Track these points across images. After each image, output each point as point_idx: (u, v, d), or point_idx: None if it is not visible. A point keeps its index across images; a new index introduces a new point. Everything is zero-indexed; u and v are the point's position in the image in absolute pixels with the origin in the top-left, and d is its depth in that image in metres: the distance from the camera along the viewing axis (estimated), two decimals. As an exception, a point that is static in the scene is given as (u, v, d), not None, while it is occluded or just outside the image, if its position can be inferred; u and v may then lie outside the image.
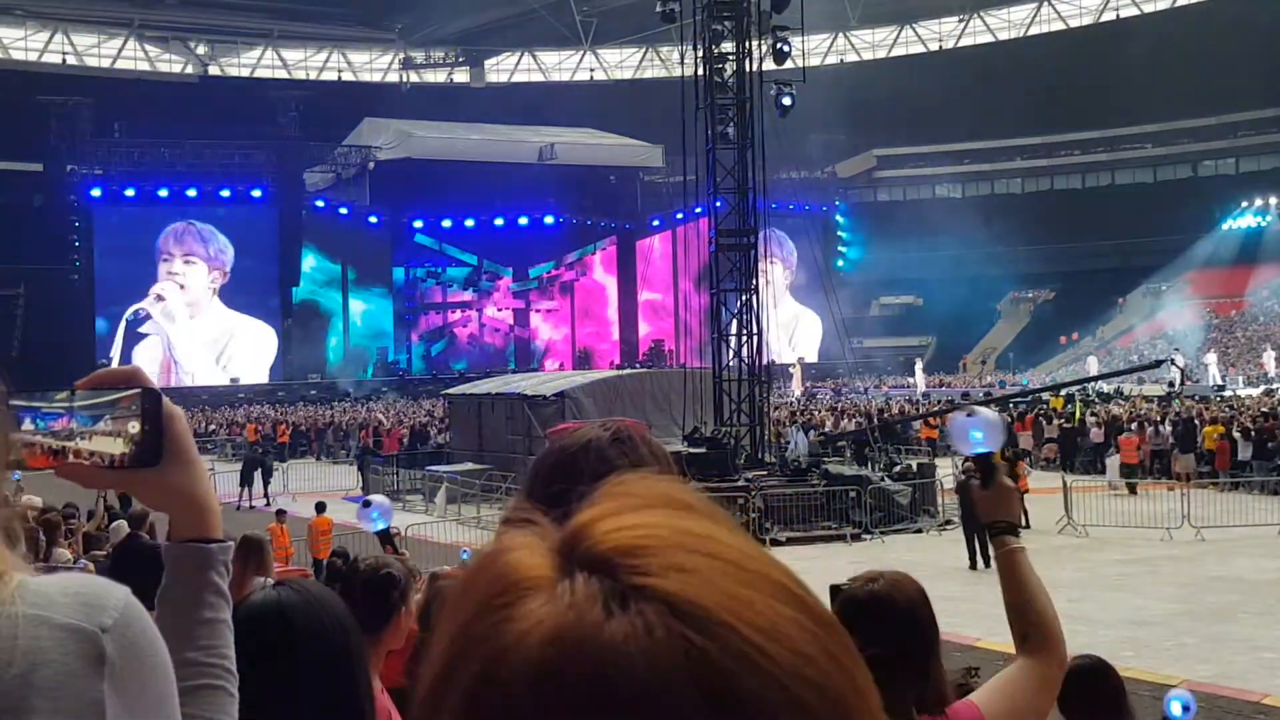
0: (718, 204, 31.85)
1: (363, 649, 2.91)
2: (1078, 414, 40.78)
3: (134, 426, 1.63)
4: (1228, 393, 49.92)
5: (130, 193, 68.74)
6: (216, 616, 1.77)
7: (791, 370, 64.39)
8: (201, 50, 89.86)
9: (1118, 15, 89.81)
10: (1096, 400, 46.49)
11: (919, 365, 68.67)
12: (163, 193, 69.25)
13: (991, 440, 3.36)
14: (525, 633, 0.76)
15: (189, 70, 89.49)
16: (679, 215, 62.73)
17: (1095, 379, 51.71)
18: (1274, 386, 53.15)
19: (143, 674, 1.34)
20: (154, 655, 1.38)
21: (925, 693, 2.90)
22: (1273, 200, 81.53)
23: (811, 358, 77.73)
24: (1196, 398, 45.92)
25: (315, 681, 2.68)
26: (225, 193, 70.60)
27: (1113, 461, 33.57)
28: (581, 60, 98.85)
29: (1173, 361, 45.09)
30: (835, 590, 3.06)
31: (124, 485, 1.71)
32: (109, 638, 1.31)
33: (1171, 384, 49.26)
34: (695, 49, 32.03)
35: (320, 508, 21.52)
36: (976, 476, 3.42)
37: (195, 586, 1.76)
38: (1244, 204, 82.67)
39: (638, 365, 66.64)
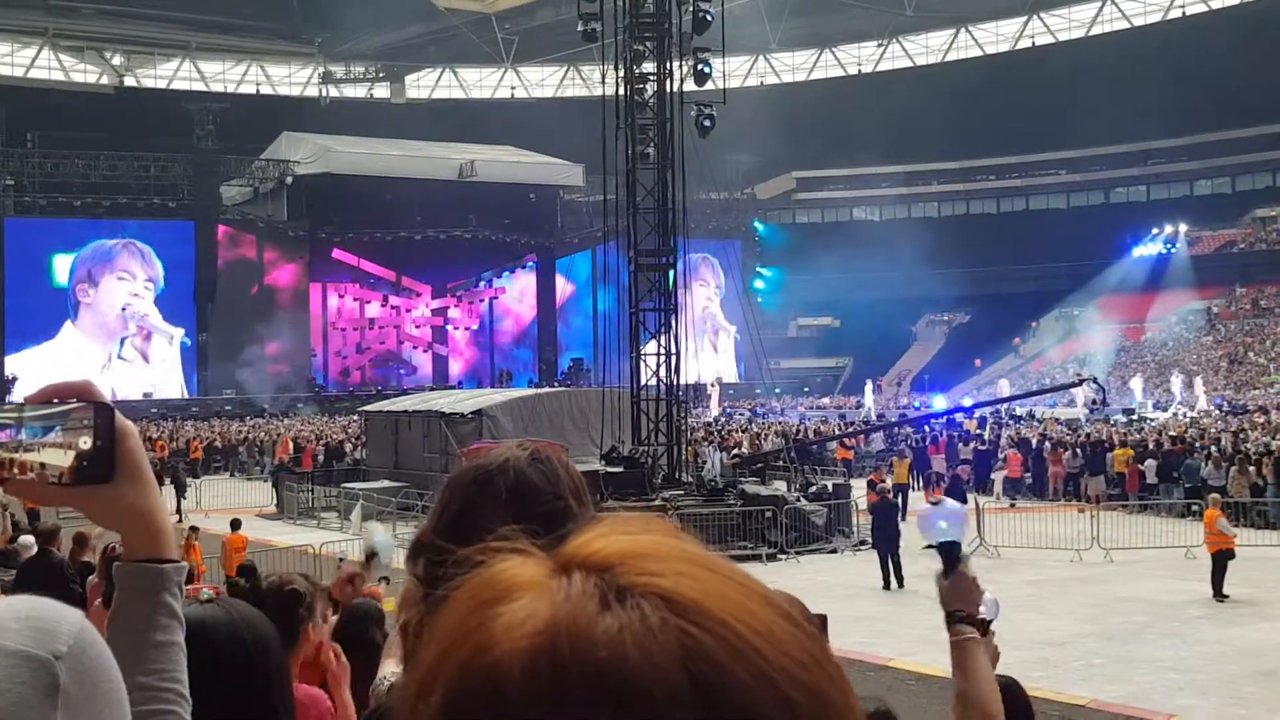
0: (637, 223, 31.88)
1: (285, 671, 2.88)
2: (988, 434, 41.53)
3: (85, 441, 1.58)
4: (1136, 416, 50.72)
5: (43, 203, 67.67)
6: (169, 639, 1.72)
7: (710, 389, 64.58)
8: (117, 61, 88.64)
9: (1034, 43, 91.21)
10: (1010, 422, 47.10)
11: (869, 386, 68.85)
12: (77, 204, 68.24)
13: (955, 530, 3.31)
14: (517, 623, 0.75)
15: (104, 81, 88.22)
16: (599, 234, 62.75)
17: (1024, 396, 52.38)
18: (1181, 410, 54.07)
19: (97, 702, 1.30)
20: (108, 683, 1.33)
21: None
22: (1181, 228, 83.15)
23: (730, 378, 78.08)
24: (1108, 420, 46.63)
25: (233, 701, 2.63)
26: (141, 205, 69.68)
27: (999, 476, 34.18)
28: (503, 78, 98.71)
29: (1095, 380, 45.91)
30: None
31: (75, 501, 1.65)
32: (62, 665, 1.25)
33: (1094, 404, 49.98)
34: (616, 69, 32.05)
35: (235, 524, 21.34)
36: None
37: (148, 608, 1.71)
38: (1154, 231, 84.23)
39: (556, 383, 66.49)
